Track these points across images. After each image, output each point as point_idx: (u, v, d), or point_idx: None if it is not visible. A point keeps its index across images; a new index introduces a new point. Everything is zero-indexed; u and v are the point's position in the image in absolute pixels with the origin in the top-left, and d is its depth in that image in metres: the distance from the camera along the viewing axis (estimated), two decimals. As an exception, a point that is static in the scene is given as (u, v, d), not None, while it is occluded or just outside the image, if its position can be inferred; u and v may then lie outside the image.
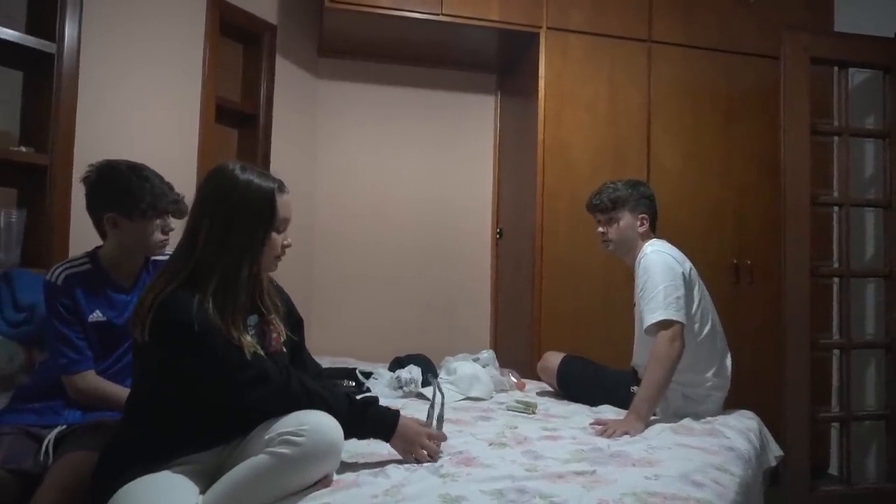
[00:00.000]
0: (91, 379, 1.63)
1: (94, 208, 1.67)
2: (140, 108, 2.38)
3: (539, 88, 2.93)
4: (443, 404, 1.62)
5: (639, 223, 2.18)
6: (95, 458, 1.37)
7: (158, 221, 1.69)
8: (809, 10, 3.21)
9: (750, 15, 3.14)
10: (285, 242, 1.47)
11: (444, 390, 1.69)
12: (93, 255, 1.70)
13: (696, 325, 2.07)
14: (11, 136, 2.10)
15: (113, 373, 1.68)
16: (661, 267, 2.03)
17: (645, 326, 2.01)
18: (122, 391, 1.58)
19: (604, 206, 2.20)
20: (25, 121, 2.13)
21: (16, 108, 2.14)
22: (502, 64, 3.49)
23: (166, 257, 1.75)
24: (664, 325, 1.95)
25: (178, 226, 1.75)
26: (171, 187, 1.72)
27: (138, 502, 1.21)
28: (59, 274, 1.63)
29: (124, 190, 1.62)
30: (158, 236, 1.70)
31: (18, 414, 1.62)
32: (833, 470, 2.96)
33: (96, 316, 1.65)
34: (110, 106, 2.27)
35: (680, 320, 1.95)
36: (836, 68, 2.88)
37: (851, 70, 2.90)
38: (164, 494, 1.22)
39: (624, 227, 2.18)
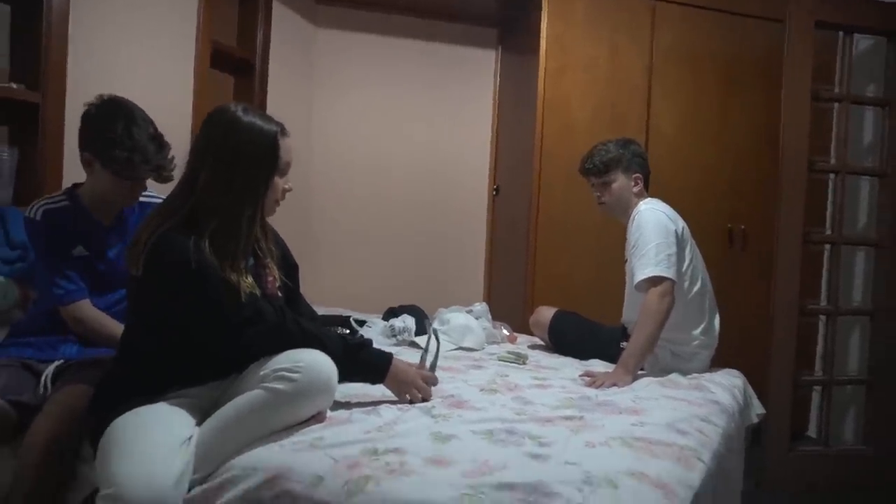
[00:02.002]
0: (88, 308, 1.64)
1: (78, 140, 1.63)
2: (134, 47, 2.32)
3: (541, 46, 2.89)
4: (437, 351, 1.65)
5: (633, 183, 2.18)
6: (92, 390, 1.39)
7: (129, 182, 1.63)
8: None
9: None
10: (286, 186, 1.47)
11: (431, 344, 1.71)
12: (71, 192, 1.68)
13: (686, 284, 2.09)
14: (2, 72, 2.05)
15: (111, 315, 1.68)
16: (653, 224, 2.04)
17: (636, 282, 2.03)
18: (119, 326, 1.59)
19: (597, 170, 2.19)
20: (15, 57, 2.08)
21: (5, 44, 2.08)
22: (504, 18, 3.43)
23: (152, 199, 1.75)
24: (655, 281, 1.97)
25: (154, 186, 1.71)
26: (160, 148, 1.62)
27: (134, 431, 1.23)
28: (37, 210, 1.61)
29: (107, 139, 1.55)
30: (127, 193, 1.65)
31: (17, 348, 1.63)
32: (812, 432, 3.04)
33: (78, 251, 1.64)
34: (103, 44, 2.21)
35: (670, 277, 1.97)
36: (840, 34, 2.85)
37: (856, 36, 2.87)
38: (160, 423, 1.25)
39: (618, 189, 2.18)
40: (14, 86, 2.00)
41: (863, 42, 2.98)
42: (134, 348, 1.39)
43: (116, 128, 1.56)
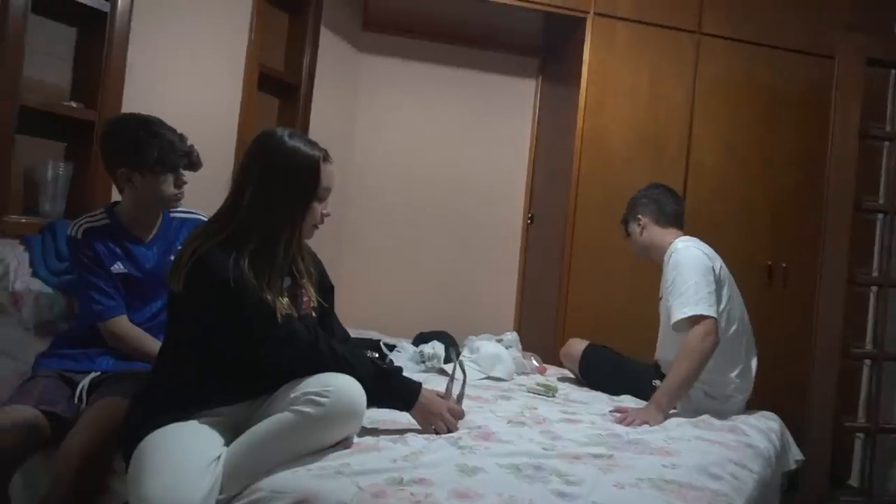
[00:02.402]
0: (126, 324, 1.68)
1: (107, 164, 1.71)
2: (186, 71, 2.42)
3: (582, 74, 2.89)
4: (464, 383, 1.65)
5: (637, 224, 2.24)
6: (126, 405, 1.42)
7: (170, 176, 1.72)
8: (866, 9, 3.09)
9: (803, 11, 3.04)
10: (325, 211, 1.51)
11: (466, 369, 1.71)
12: (110, 210, 1.75)
13: (723, 324, 2.03)
14: (63, 90, 2.15)
15: (146, 329, 1.73)
16: (692, 262, 2.01)
17: (673, 321, 1.99)
18: (155, 342, 1.63)
19: (622, 229, 2.34)
20: (77, 76, 2.18)
21: (69, 63, 2.19)
22: (546, 48, 3.45)
23: (186, 214, 1.82)
24: (696, 319, 1.93)
25: (191, 178, 1.81)
26: (182, 139, 1.74)
27: (165, 449, 1.25)
28: (79, 228, 1.68)
29: (133, 145, 1.66)
30: (171, 190, 1.74)
31: (56, 359, 1.67)
32: (854, 481, 2.91)
33: (118, 268, 1.70)
34: (158, 67, 2.31)
35: (712, 315, 1.93)
36: (893, 71, 2.79)
37: (908, 73, 2.81)
38: (190, 442, 1.27)
39: (633, 237, 2.28)
40: (73, 104, 2.10)
41: (915, 80, 2.91)
42: (169, 364, 1.41)
43: (137, 133, 1.66)
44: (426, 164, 3.48)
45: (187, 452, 1.24)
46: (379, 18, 3.32)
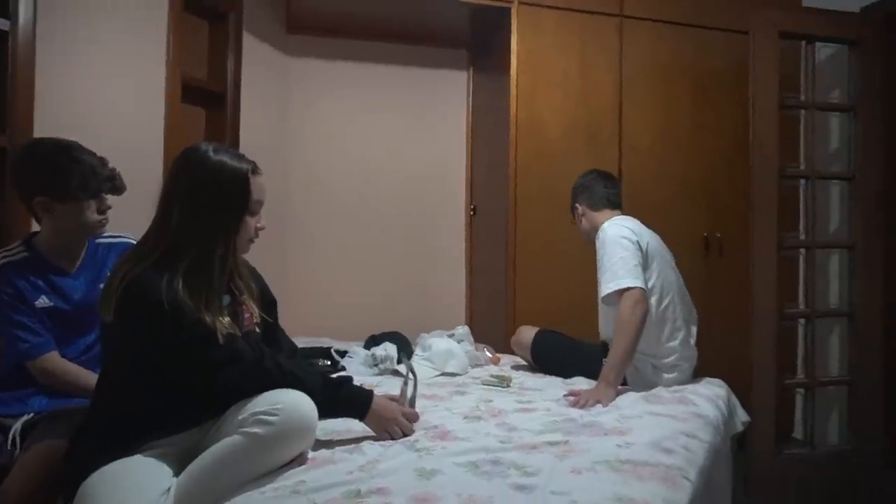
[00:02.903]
0: (57, 360, 1.60)
1: (22, 192, 1.61)
2: (102, 87, 2.30)
3: (511, 64, 2.91)
4: (416, 384, 1.64)
5: (579, 213, 2.34)
6: (65, 445, 1.36)
7: (93, 202, 1.64)
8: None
9: (720, -11, 3.15)
10: (259, 225, 1.47)
11: (416, 371, 1.71)
12: (28, 242, 1.66)
13: (656, 298, 2.11)
14: (-33, 117, 2.02)
15: (81, 363, 1.66)
16: (616, 238, 2.09)
17: (602, 295, 2.07)
18: (90, 375, 1.56)
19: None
20: (-20, 102, 2.06)
21: (-30, 88, 2.05)
22: (475, 40, 3.46)
23: (112, 238, 1.75)
24: (623, 291, 1.99)
25: (117, 200, 1.74)
26: (103, 162, 1.67)
27: (111, 486, 1.20)
28: None
29: (51, 171, 1.57)
30: (94, 217, 1.66)
31: (-17, 405, 1.58)
32: (797, 434, 3.06)
33: (42, 302, 1.61)
34: (70, 86, 2.19)
35: (639, 285, 2.00)
36: (803, 43, 2.91)
37: (818, 44, 2.93)
38: (137, 479, 1.22)
39: (578, 224, 2.37)
40: (-21, 131, 1.98)
41: (825, 50, 3.04)
42: (108, 398, 1.35)
43: (54, 159, 1.58)
44: (365, 164, 3.44)
45: (134, 489, 1.20)
46: (303, 20, 3.26)
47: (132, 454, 1.27)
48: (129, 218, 1.82)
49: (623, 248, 2.06)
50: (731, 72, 3.12)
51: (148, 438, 1.30)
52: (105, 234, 1.76)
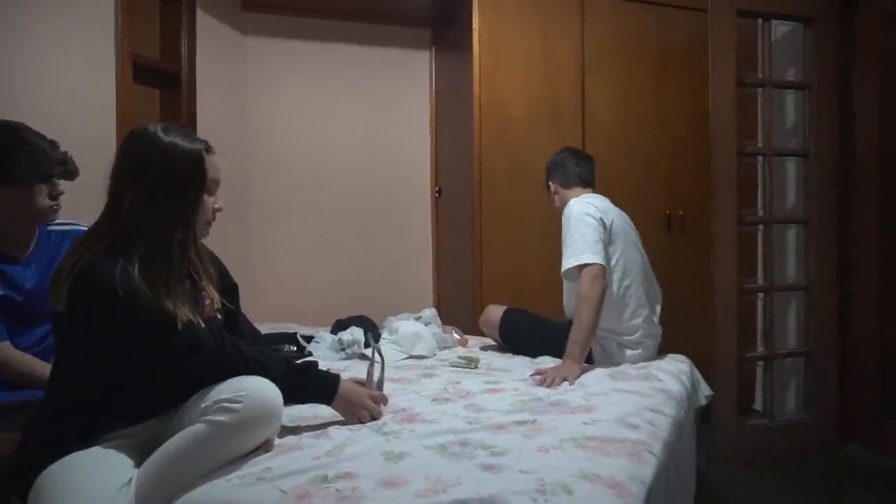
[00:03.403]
0: (9, 350, 1.55)
1: None
2: (48, 69, 2.19)
3: (473, 43, 2.88)
4: (383, 367, 1.63)
5: (552, 191, 2.35)
6: (17, 438, 1.30)
7: (44, 187, 1.58)
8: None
9: (680, -33, 3.16)
10: (216, 206, 1.43)
11: (384, 353, 1.69)
12: None
13: (618, 276, 2.14)
14: None
15: (35, 353, 1.60)
16: (579, 215, 2.11)
17: (563, 270, 2.09)
18: (45, 366, 1.51)
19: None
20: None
21: None
22: (436, 18, 3.41)
23: (65, 225, 1.69)
24: (583, 267, 2.02)
25: (69, 184, 1.67)
26: (54, 145, 1.60)
27: (68, 480, 1.16)
28: None
29: None
30: (45, 202, 1.60)
31: (-67, 398, 1.52)
32: (758, 405, 3.15)
33: None
34: (14, 64, 2.08)
35: (598, 262, 2.02)
36: (760, 20, 2.95)
37: (774, 22, 2.98)
38: (95, 470, 1.18)
39: (552, 202, 2.36)
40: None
41: (781, 28, 3.09)
42: (63, 388, 1.31)
43: (2, 141, 1.51)
44: (327, 145, 3.38)
45: (92, 481, 1.16)
46: (259, -3, 3.17)
47: (90, 446, 1.23)
48: (81, 204, 1.75)
49: (585, 224, 2.07)
50: (690, 49, 3.15)
51: (106, 430, 1.26)
52: (58, 221, 1.69)
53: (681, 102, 3.16)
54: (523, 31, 2.96)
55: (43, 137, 1.58)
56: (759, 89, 2.97)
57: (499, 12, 2.92)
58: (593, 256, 2.02)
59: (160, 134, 1.32)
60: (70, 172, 1.63)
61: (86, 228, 1.62)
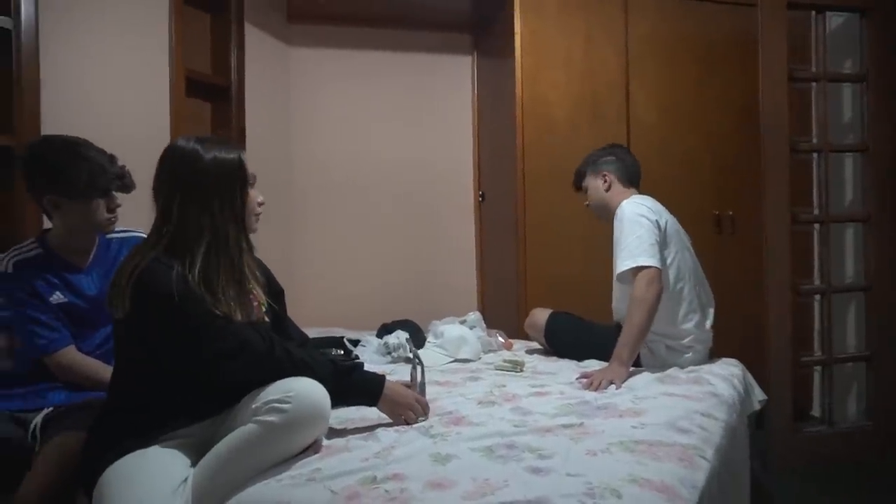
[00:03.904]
0: (73, 354, 1.62)
1: (32, 190, 1.62)
2: (107, 84, 2.30)
3: (515, 46, 2.88)
4: (423, 373, 1.64)
5: (602, 181, 2.26)
6: (84, 437, 1.37)
7: (102, 200, 1.64)
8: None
9: (725, -38, 3.09)
10: (259, 199, 1.50)
11: (428, 356, 1.70)
12: (41, 239, 1.67)
13: (673, 278, 2.09)
14: (-26, 117, 2.03)
15: (96, 356, 1.67)
16: (634, 217, 2.06)
17: (617, 272, 2.05)
18: (107, 369, 1.58)
19: (575, 182, 2.35)
20: (-14, 102, 2.06)
21: (-25, 88, 2.06)
22: (477, 23, 3.42)
23: (124, 233, 1.76)
24: (639, 270, 1.98)
25: (123, 198, 1.74)
26: (113, 160, 1.66)
27: (128, 478, 1.21)
28: (8, 262, 1.60)
29: (59, 170, 1.57)
30: (104, 215, 1.66)
31: (3, 401, 1.60)
32: (816, 412, 3.03)
33: (57, 298, 1.63)
34: (75, 83, 2.19)
35: (654, 265, 1.98)
36: (813, 12, 2.86)
37: (828, 14, 2.87)
38: (155, 468, 1.23)
39: (591, 191, 2.29)
40: (-14, 131, 1.99)
41: (835, 19, 2.99)
42: (123, 391, 1.37)
43: (63, 157, 1.57)
44: (371, 152, 3.43)
45: (152, 478, 1.21)
46: (304, 9, 3.24)
47: (149, 445, 1.28)
48: (137, 213, 1.82)
49: (640, 226, 2.03)
50: (737, 45, 3.07)
51: (164, 430, 1.31)
52: (116, 230, 1.76)
53: (728, 100, 3.09)
54: (565, 32, 2.94)
55: (102, 152, 1.65)
56: (813, 83, 2.88)
57: (540, 14, 2.91)
58: (650, 259, 1.98)
59: (199, 147, 1.37)
60: (127, 186, 1.70)
61: (142, 235, 1.71)
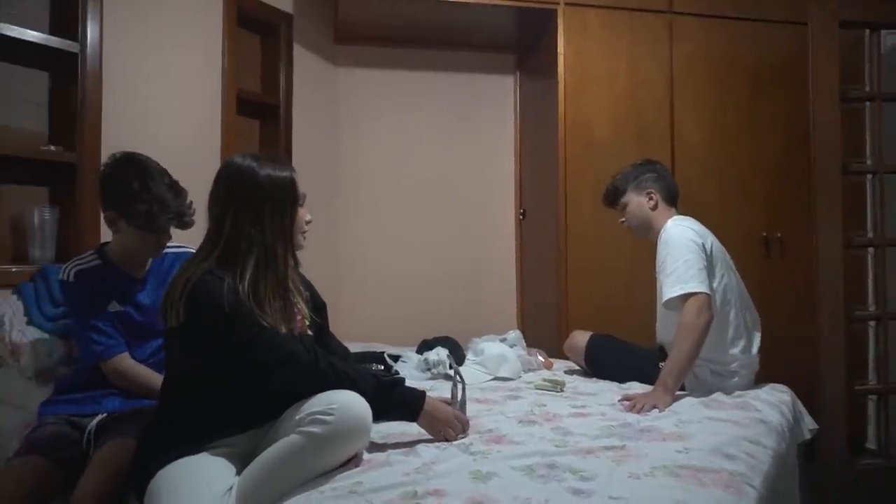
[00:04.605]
0: (129, 362, 1.68)
1: (101, 200, 1.68)
2: (163, 103, 2.41)
3: (558, 66, 2.89)
4: (464, 388, 1.64)
5: (647, 198, 2.19)
6: (135, 443, 1.41)
7: (154, 234, 1.67)
8: (837, -28, 3.10)
9: (774, -20, 3.05)
10: (307, 218, 1.54)
11: (468, 374, 1.70)
12: (101, 251, 1.74)
13: (719, 302, 2.03)
14: (41, 135, 2.15)
15: (150, 365, 1.73)
16: (682, 240, 2.01)
17: (665, 300, 2.00)
18: (159, 377, 1.62)
19: (611, 198, 2.27)
20: (53, 120, 2.18)
21: (44, 108, 2.18)
22: (520, 43, 3.45)
23: (178, 249, 1.81)
24: (688, 297, 1.93)
25: (178, 234, 1.76)
26: (178, 194, 1.68)
27: (177, 484, 1.25)
28: (70, 271, 1.67)
29: (123, 192, 1.61)
30: (155, 245, 1.71)
31: (60, 405, 1.67)
32: (871, 444, 2.91)
33: (113, 306, 1.69)
34: (134, 102, 2.31)
35: (705, 291, 1.93)
36: (867, 31, 2.79)
37: (883, 32, 2.80)
38: (202, 475, 1.26)
39: (633, 208, 2.21)
40: (52, 148, 2.10)
41: (890, 38, 2.91)
42: (173, 399, 1.41)
43: (133, 183, 1.61)
44: (414, 170, 3.47)
45: (199, 485, 1.24)
46: (350, 31, 3.32)
47: (197, 453, 1.31)
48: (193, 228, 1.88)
49: (689, 250, 1.98)
50: (786, 64, 3.01)
51: (212, 437, 1.34)
52: (171, 245, 1.82)
53: (776, 120, 3.02)
54: (609, 52, 2.94)
55: (170, 186, 1.67)
56: (867, 103, 2.80)
57: (584, 35, 2.92)
58: (699, 285, 1.93)
59: (254, 164, 1.42)
60: (185, 224, 1.71)
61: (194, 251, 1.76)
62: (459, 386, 1.63)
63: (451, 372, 2.18)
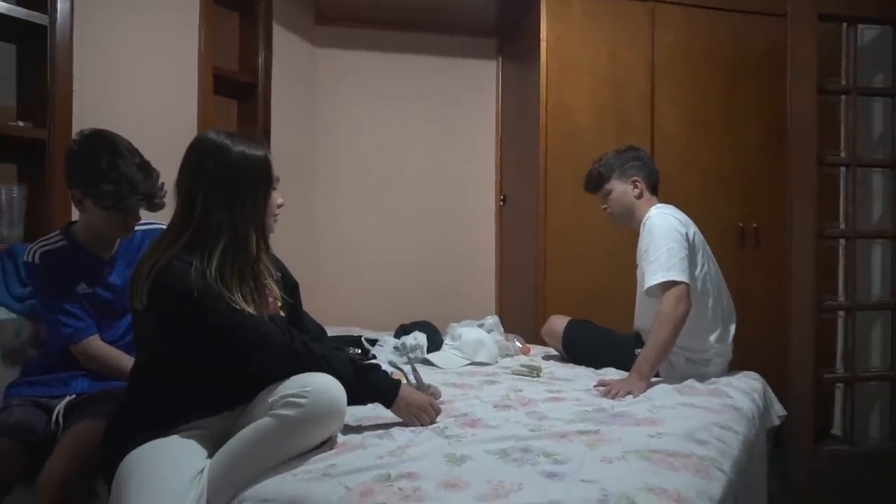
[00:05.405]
0: (99, 343, 1.65)
1: (66, 180, 1.62)
2: (136, 79, 2.35)
3: (541, 52, 2.88)
4: (418, 377, 1.68)
5: (632, 186, 2.18)
6: (105, 425, 1.39)
7: (121, 214, 1.62)
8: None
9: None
10: (279, 201, 1.50)
11: (440, 362, 1.71)
12: (67, 231, 1.68)
13: (699, 290, 2.06)
14: (9, 110, 2.08)
15: (120, 346, 1.70)
16: (664, 228, 2.02)
17: (646, 287, 2.01)
18: (129, 359, 1.60)
19: (594, 184, 2.25)
20: (22, 95, 2.11)
21: (12, 82, 2.11)
22: (502, 28, 3.43)
23: (148, 226, 1.76)
24: (668, 285, 1.94)
25: (146, 214, 1.72)
26: (148, 175, 1.62)
27: (147, 466, 1.23)
28: (35, 252, 1.62)
29: (91, 172, 1.55)
30: (122, 225, 1.65)
31: (28, 387, 1.64)
32: (837, 430, 2.98)
33: (83, 288, 1.64)
34: (106, 78, 2.24)
35: (685, 280, 1.95)
36: (844, 25, 2.82)
37: (861, 27, 2.84)
38: (173, 458, 1.24)
39: (617, 196, 2.20)
40: (21, 124, 2.03)
41: (867, 32, 2.94)
42: (143, 382, 1.38)
43: (101, 162, 1.55)
44: (394, 153, 3.45)
45: (169, 468, 1.22)
46: (331, 11, 3.28)
47: (167, 436, 1.29)
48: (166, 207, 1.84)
49: (672, 239, 1.99)
50: (765, 56, 3.03)
51: (182, 420, 1.32)
52: (140, 222, 1.77)
53: (754, 111, 3.05)
54: (591, 39, 2.93)
55: (140, 166, 1.60)
56: (843, 96, 2.84)
57: (566, 21, 2.91)
58: (680, 274, 1.94)
59: (228, 142, 1.37)
60: (154, 206, 1.65)
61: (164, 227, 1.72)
62: (411, 375, 1.64)
63: (434, 356, 2.21)
